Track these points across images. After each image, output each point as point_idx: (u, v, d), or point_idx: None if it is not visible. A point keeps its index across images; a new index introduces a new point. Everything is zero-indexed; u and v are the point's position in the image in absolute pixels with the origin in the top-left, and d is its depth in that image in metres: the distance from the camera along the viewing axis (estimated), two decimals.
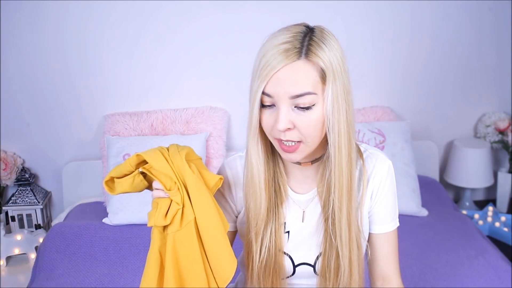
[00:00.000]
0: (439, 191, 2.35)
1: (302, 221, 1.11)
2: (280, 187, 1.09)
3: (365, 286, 1.16)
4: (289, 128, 0.95)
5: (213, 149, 2.21)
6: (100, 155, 2.27)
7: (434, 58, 2.47)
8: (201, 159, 1.04)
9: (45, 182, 2.41)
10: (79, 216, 2.10)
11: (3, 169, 2.23)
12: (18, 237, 2.13)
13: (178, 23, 2.26)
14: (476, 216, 2.38)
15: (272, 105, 0.96)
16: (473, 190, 2.60)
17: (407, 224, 1.99)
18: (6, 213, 2.27)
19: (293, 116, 0.95)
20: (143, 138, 2.15)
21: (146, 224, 1.99)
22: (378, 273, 1.16)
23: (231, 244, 1.07)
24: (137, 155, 0.98)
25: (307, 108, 0.94)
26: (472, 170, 2.44)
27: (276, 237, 1.08)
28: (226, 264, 0.97)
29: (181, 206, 0.96)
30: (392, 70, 2.46)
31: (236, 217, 1.16)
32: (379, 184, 1.10)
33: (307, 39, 0.94)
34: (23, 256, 2.17)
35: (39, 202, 2.27)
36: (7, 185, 2.33)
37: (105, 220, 2.02)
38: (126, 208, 2.01)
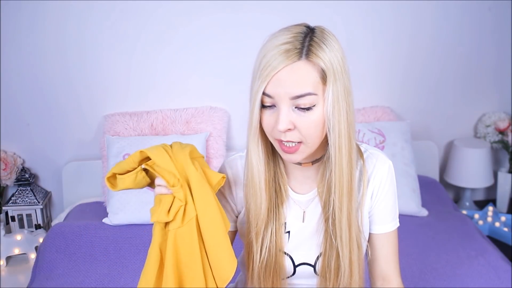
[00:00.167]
0: (439, 191, 2.35)
1: (303, 221, 1.11)
2: (280, 187, 1.09)
3: (365, 286, 1.16)
4: (289, 129, 0.95)
5: (213, 149, 2.21)
6: (100, 155, 2.27)
7: (434, 58, 2.47)
8: (203, 157, 1.05)
9: (45, 182, 2.41)
10: (79, 216, 2.10)
11: (3, 169, 2.23)
12: (18, 237, 2.13)
13: (178, 23, 2.26)
14: (476, 216, 2.38)
15: (272, 106, 0.96)
16: (473, 190, 2.60)
17: (407, 224, 1.99)
18: (6, 213, 2.27)
19: (294, 116, 0.95)
20: (143, 138, 2.15)
21: (146, 224, 2.00)
22: (378, 273, 1.16)
23: (231, 244, 1.07)
24: (141, 151, 0.98)
25: (308, 108, 0.94)
26: (472, 170, 2.44)
27: (276, 237, 1.08)
28: (226, 263, 0.97)
29: (184, 203, 0.96)
30: (392, 70, 2.46)
31: (237, 217, 1.16)
32: (379, 184, 1.10)
33: (307, 40, 0.94)
34: (23, 256, 2.17)
35: (39, 202, 2.27)
36: (7, 185, 2.33)
37: (105, 220, 2.02)
38: (126, 208, 2.00)
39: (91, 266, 1.82)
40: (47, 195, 2.37)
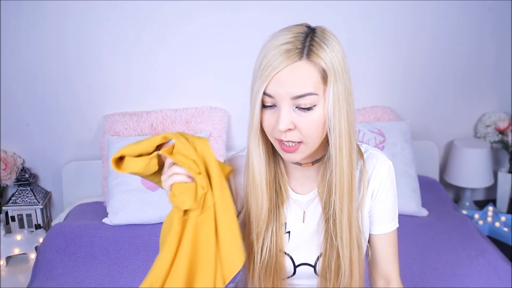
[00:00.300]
0: (439, 191, 2.35)
1: (303, 222, 1.11)
2: (281, 188, 1.09)
3: (365, 287, 1.16)
4: (290, 129, 0.95)
5: (213, 149, 2.21)
6: (100, 155, 2.27)
7: (434, 58, 2.47)
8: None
9: (45, 182, 2.41)
10: (79, 216, 2.10)
11: (3, 169, 2.23)
12: (18, 237, 2.13)
13: (178, 23, 2.26)
14: (476, 216, 2.38)
15: (273, 106, 0.96)
16: (473, 190, 2.60)
17: (407, 224, 1.99)
18: (6, 213, 2.27)
19: (294, 116, 0.95)
20: (143, 138, 2.15)
21: (146, 224, 2.00)
22: (378, 274, 1.16)
23: None
24: (165, 136, 0.97)
25: (308, 108, 0.94)
26: (472, 170, 2.44)
27: (277, 237, 1.08)
28: (236, 254, 0.97)
29: (207, 190, 0.96)
30: (392, 70, 2.46)
31: (237, 217, 1.16)
32: (380, 185, 1.10)
33: (308, 40, 0.94)
34: (23, 256, 2.17)
35: (39, 202, 2.27)
36: (7, 185, 2.32)
37: (105, 220, 2.02)
38: (126, 208, 2.00)
39: (91, 266, 1.82)
40: (47, 195, 2.37)
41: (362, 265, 1.11)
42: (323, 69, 0.93)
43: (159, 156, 1.00)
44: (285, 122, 0.94)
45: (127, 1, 2.20)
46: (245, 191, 1.08)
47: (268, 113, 0.97)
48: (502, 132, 2.54)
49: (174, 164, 0.97)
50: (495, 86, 2.59)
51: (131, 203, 2.01)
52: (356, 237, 1.06)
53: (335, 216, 1.03)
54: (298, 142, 0.97)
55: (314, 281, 1.13)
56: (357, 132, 2.17)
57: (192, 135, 1.00)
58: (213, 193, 0.97)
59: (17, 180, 2.28)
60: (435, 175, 2.52)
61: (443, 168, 2.64)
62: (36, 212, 2.28)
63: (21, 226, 2.29)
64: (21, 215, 2.28)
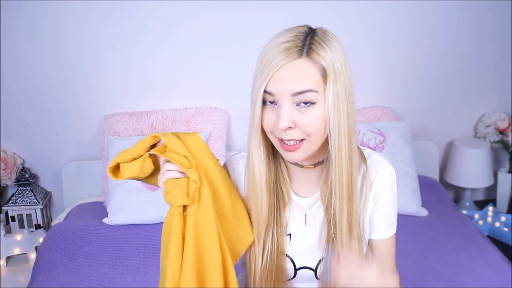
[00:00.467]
0: (439, 191, 2.35)
1: (305, 224, 1.10)
2: (282, 191, 1.09)
3: None
4: (290, 127, 0.95)
5: (213, 149, 2.21)
6: (100, 155, 2.27)
7: (434, 58, 2.47)
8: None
9: (45, 182, 2.41)
10: (79, 216, 2.10)
11: (3, 169, 2.23)
12: (18, 237, 2.13)
13: (178, 23, 2.26)
14: (476, 216, 2.38)
15: (273, 104, 0.96)
16: (473, 190, 2.60)
17: (407, 224, 1.99)
18: (6, 213, 2.27)
19: (295, 114, 0.95)
20: (143, 138, 2.15)
21: (146, 224, 2.00)
22: None
23: None
24: (154, 136, 0.99)
25: (309, 106, 0.94)
26: (472, 170, 2.44)
27: (278, 240, 1.08)
28: (243, 234, 1.05)
29: (199, 184, 0.97)
30: (392, 70, 2.46)
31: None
32: (381, 190, 1.09)
33: (308, 39, 0.94)
34: (23, 256, 2.17)
35: (39, 202, 2.27)
36: (7, 185, 2.32)
37: (105, 220, 2.02)
38: (126, 208, 2.00)
39: (91, 266, 1.82)
40: (47, 195, 2.37)
41: None
42: (323, 67, 0.93)
43: (155, 157, 1.01)
44: (285, 120, 0.94)
45: (127, 1, 2.19)
46: (245, 191, 1.08)
47: (268, 111, 0.97)
48: (502, 132, 2.54)
49: (168, 162, 0.99)
50: (495, 86, 2.59)
51: (131, 203, 2.01)
52: (356, 240, 1.05)
53: (336, 217, 1.03)
54: (301, 140, 0.97)
55: (315, 284, 1.12)
56: (357, 132, 2.17)
57: (182, 133, 1.02)
58: (214, 180, 1.00)
59: (17, 180, 2.28)
60: (435, 175, 2.52)
61: (443, 168, 2.64)
62: (36, 212, 2.28)
63: (21, 226, 2.29)
64: (21, 215, 2.28)
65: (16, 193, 2.28)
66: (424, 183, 2.30)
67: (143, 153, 1.00)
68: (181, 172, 0.98)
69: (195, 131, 2.23)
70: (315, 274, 1.10)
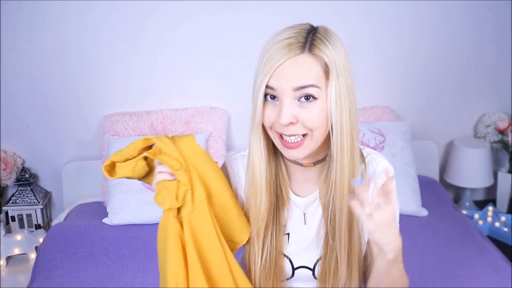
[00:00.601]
0: (439, 191, 2.35)
1: (305, 224, 1.10)
2: (282, 191, 1.08)
3: None
4: (292, 123, 0.95)
5: (213, 149, 2.21)
6: (100, 155, 2.27)
7: (434, 58, 2.47)
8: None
9: (45, 182, 2.41)
10: (79, 216, 2.10)
11: (3, 169, 2.23)
12: (18, 237, 2.13)
13: (178, 23, 2.26)
14: (476, 216, 2.38)
15: (275, 100, 0.96)
16: (473, 190, 2.60)
17: (407, 224, 1.99)
18: (6, 213, 2.27)
19: (296, 110, 0.94)
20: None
21: (146, 224, 2.00)
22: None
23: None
24: (145, 139, 0.99)
25: (310, 101, 0.94)
26: (472, 170, 2.44)
27: (276, 239, 1.08)
28: (240, 230, 1.06)
29: (189, 187, 0.97)
30: (392, 70, 2.46)
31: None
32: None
33: (311, 35, 0.95)
34: (23, 256, 2.17)
35: (39, 202, 2.27)
36: (7, 185, 2.32)
37: (105, 220, 2.02)
38: (126, 208, 2.00)
39: (91, 266, 1.82)
40: (47, 195, 2.37)
41: (361, 269, 1.10)
42: (325, 63, 0.93)
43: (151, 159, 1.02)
44: (287, 115, 0.93)
45: (127, 1, 2.20)
46: (245, 189, 1.08)
47: (269, 107, 0.97)
48: (502, 132, 2.54)
49: (160, 164, 0.99)
50: (495, 86, 2.59)
51: (131, 203, 2.01)
52: (356, 240, 1.04)
53: (335, 217, 1.03)
54: (304, 136, 0.96)
55: (313, 284, 1.12)
56: (358, 131, 2.17)
57: (178, 135, 1.03)
58: (207, 181, 1.00)
59: (17, 180, 2.28)
60: (435, 175, 2.52)
61: (443, 168, 2.64)
62: (36, 212, 2.28)
63: (21, 226, 2.29)
64: (21, 215, 2.28)
65: (16, 193, 2.28)
66: (424, 183, 2.30)
67: (135, 155, 1.00)
68: (172, 175, 0.98)
69: (195, 131, 2.23)
70: (313, 274, 1.10)
